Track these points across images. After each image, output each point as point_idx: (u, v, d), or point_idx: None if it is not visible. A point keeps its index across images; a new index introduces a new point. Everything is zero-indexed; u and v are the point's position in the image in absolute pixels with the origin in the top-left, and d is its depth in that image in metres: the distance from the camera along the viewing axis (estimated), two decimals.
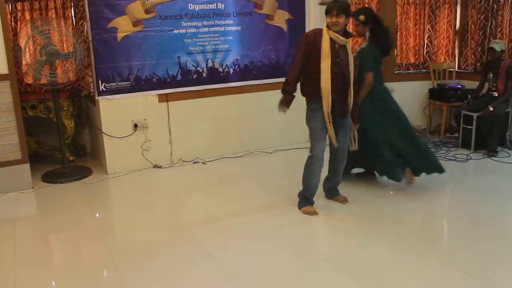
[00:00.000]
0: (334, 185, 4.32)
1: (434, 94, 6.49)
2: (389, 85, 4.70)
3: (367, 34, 4.42)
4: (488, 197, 4.39)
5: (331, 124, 3.89)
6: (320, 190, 4.28)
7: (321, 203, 4.26)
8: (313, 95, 3.88)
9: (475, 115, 5.68)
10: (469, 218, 3.93)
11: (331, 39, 3.79)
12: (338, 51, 3.82)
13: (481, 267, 3.15)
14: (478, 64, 6.42)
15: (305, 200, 4.13)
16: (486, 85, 5.95)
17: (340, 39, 3.80)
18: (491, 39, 6.10)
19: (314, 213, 4.06)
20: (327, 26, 3.82)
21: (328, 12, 3.78)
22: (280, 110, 4.01)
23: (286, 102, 3.97)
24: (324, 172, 4.24)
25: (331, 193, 4.34)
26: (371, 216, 4.09)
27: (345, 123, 4.03)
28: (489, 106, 5.52)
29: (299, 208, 4.12)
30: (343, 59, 3.84)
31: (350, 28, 4.04)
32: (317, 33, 3.85)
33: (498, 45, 5.63)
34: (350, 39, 4.13)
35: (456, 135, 6.22)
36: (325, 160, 4.07)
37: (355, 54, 4.15)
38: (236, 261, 3.34)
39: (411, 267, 3.18)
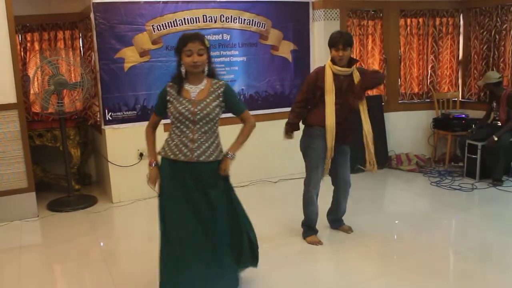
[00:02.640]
0: (338, 216, 4.31)
1: (438, 123, 6.51)
2: None
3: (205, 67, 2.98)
4: (495, 227, 4.35)
5: (331, 159, 3.93)
6: (325, 220, 4.27)
7: (327, 233, 4.24)
8: (315, 124, 3.92)
9: (479, 144, 5.69)
10: (476, 249, 3.90)
11: (334, 73, 3.83)
12: (342, 82, 3.86)
13: None
14: (482, 94, 6.46)
15: (309, 229, 4.12)
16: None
17: (343, 71, 3.84)
18: (494, 69, 6.15)
19: (319, 243, 4.04)
20: (332, 59, 3.86)
21: (333, 46, 3.81)
22: (285, 138, 4.11)
23: (287, 132, 4.09)
24: (328, 204, 4.25)
25: (336, 223, 4.33)
26: (376, 246, 4.06)
27: (345, 152, 4.03)
28: (493, 136, 5.53)
29: (304, 238, 4.11)
30: (347, 89, 3.88)
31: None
32: (319, 72, 3.91)
33: (484, 80, 5.83)
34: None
35: (461, 164, 6.22)
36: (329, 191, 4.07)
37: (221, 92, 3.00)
38: None
39: None
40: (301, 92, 4.02)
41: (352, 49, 3.91)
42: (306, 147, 4.01)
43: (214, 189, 2.95)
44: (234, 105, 3.05)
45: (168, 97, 2.92)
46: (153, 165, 3.02)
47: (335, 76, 3.84)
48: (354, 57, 4.14)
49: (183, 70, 2.91)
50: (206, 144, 2.92)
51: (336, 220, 4.32)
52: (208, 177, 2.94)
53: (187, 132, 2.88)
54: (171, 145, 2.93)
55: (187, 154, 2.87)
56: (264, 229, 4.42)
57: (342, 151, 4.01)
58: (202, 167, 2.90)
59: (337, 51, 3.79)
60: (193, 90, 2.92)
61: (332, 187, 4.20)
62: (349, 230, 4.27)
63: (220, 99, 2.94)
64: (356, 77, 3.90)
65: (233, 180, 5.71)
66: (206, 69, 2.95)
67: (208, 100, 2.90)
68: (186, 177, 2.90)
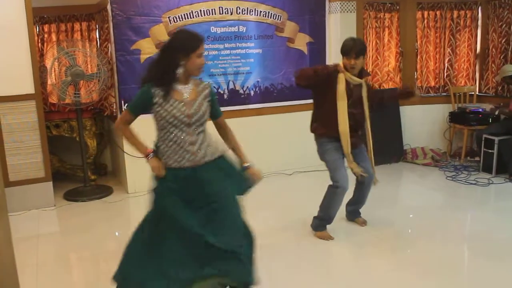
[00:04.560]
0: (357, 208, 4.30)
1: (455, 117, 6.46)
2: None
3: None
4: (511, 222, 4.32)
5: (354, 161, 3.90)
6: (340, 211, 4.26)
7: (341, 225, 4.24)
8: (324, 134, 3.90)
9: (496, 138, 5.63)
10: (491, 245, 3.87)
11: (346, 80, 3.78)
12: (352, 91, 3.83)
13: None
14: (499, 88, 6.39)
15: (321, 225, 4.09)
16: None
17: (355, 80, 3.80)
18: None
19: (330, 237, 4.02)
20: (344, 67, 3.80)
21: (346, 54, 3.75)
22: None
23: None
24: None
25: (353, 215, 4.32)
26: (390, 240, 4.06)
27: (360, 152, 4.01)
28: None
29: (314, 232, 4.10)
30: (356, 98, 3.85)
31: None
32: (335, 71, 3.81)
33: (500, 74, 5.88)
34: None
35: (477, 158, 6.17)
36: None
37: None
38: None
39: None
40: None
41: (366, 56, 3.84)
42: (321, 154, 3.99)
43: (224, 188, 2.70)
44: (216, 108, 2.83)
45: (156, 99, 2.60)
46: (151, 155, 2.68)
47: (347, 82, 3.78)
48: (368, 59, 4.08)
49: (180, 71, 2.61)
50: (205, 144, 2.70)
51: (354, 211, 4.31)
52: (216, 176, 2.70)
53: (183, 135, 2.63)
54: (168, 153, 2.65)
55: (191, 159, 2.63)
56: (277, 222, 4.45)
57: (357, 152, 3.97)
58: (208, 168, 2.68)
59: (349, 59, 3.73)
60: (185, 90, 2.66)
61: (354, 181, 4.15)
62: (363, 223, 4.27)
63: (208, 99, 2.73)
64: (364, 90, 3.87)
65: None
66: None
67: (199, 100, 2.68)
68: (189, 188, 2.63)
